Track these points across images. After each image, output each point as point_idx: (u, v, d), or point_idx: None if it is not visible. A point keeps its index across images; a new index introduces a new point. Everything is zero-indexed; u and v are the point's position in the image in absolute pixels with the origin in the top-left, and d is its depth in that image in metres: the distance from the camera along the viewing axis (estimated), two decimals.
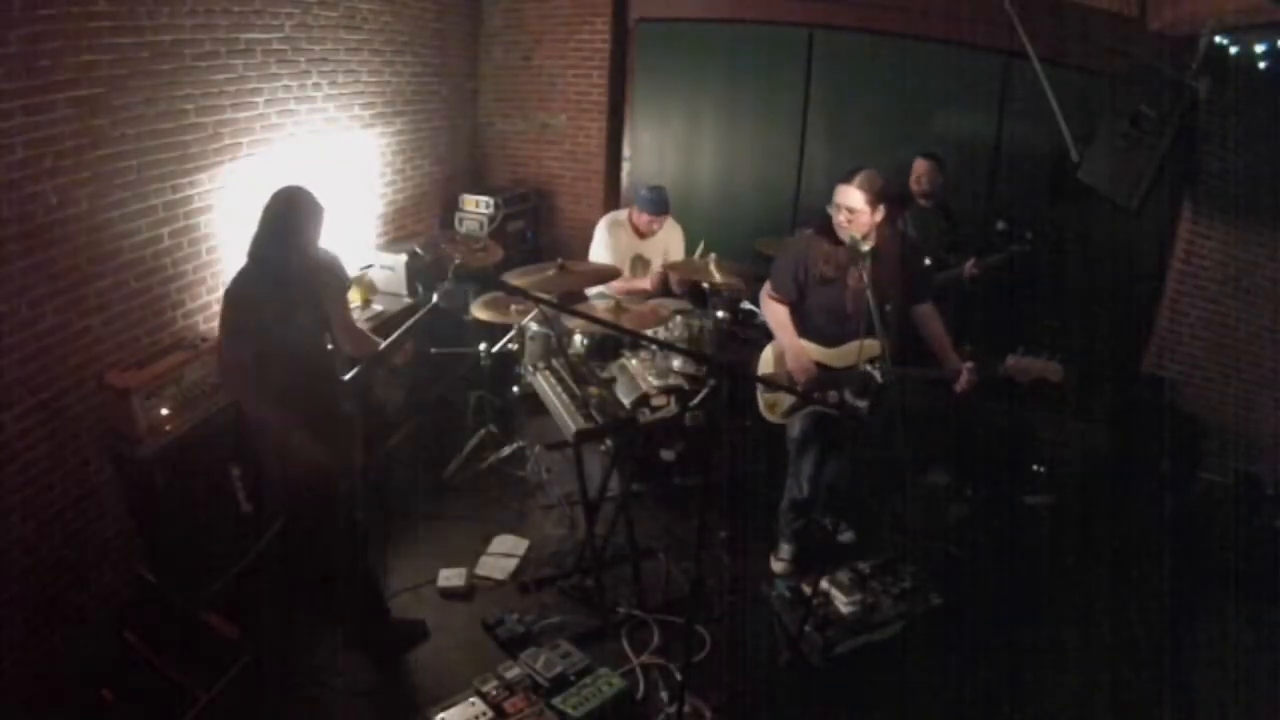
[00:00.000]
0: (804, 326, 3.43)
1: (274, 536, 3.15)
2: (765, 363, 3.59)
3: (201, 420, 3.20)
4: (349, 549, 2.98)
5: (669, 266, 4.66)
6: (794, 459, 3.59)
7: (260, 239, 2.72)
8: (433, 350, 4.45)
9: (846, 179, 3.17)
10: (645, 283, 4.74)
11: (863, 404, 3.32)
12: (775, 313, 3.46)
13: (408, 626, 3.23)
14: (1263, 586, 3.75)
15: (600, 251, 4.76)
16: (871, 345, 3.17)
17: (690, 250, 4.76)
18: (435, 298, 2.92)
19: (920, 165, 4.65)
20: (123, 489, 3.16)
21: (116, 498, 3.17)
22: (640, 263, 4.81)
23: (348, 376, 2.91)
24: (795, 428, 3.54)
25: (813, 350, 3.40)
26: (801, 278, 3.35)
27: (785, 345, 3.42)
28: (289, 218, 2.71)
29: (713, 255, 4.38)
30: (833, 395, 3.33)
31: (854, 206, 3.14)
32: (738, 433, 4.58)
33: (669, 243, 4.86)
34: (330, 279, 2.91)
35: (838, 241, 3.26)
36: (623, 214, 4.86)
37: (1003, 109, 4.97)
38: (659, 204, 4.66)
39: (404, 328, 3.04)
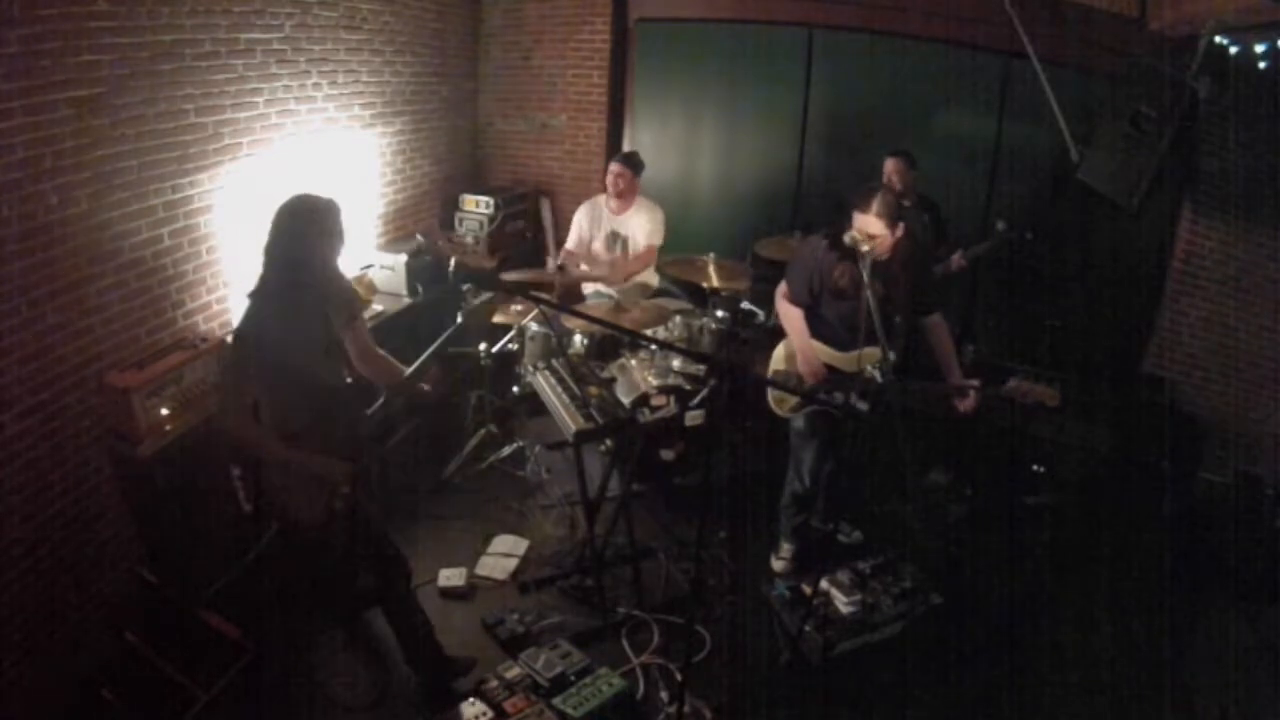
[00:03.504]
0: (818, 329, 3.44)
1: (274, 536, 3.15)
2: (777, 359, 3.61)
3: (201, 420, 3.20)
4: (388, 583, 2.87)
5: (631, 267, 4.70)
6: (795, 450, 3.62)
7: (272, 263, 2.42)
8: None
9: (863, 207, 3.09)
10: (602, 269, 4.71)
11: (865, 405, 3.33)
12: (789, 314, 3.48)
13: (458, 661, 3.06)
14: (1263, 586, 3.76)
15: (572, 227, 4.90)
16: (874, 354, 3.17)
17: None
18: (460, 317, 2.85)
19: (890, 164, 4.46)
20: (123, 489, 3.16)
21: (116, 498, 3.17)
22: (617, 238, 4.80)
23: (371, 410, 2.69)
24: (799, 420, 3.56)
25: (823, 352, 3.41)
26: (816, 287, 3.36)
27: (797, 346, 3.45)
28: (304, 235, 2.41)
29: (712, 255, 4.38)
30: (838, 396, 3.35)
31: (875, 233, 3.10)
32: (738, 433, 4.60)
33: (646, 223, 4.75)
34: (345, 306, 2.62)
35: (850, 255, 3.20)
36: (601, 196, 4.91)
37: (1003, 109, 4.96)
38: (625, 158, 4.76)
39: (430, 351, 2.81)
